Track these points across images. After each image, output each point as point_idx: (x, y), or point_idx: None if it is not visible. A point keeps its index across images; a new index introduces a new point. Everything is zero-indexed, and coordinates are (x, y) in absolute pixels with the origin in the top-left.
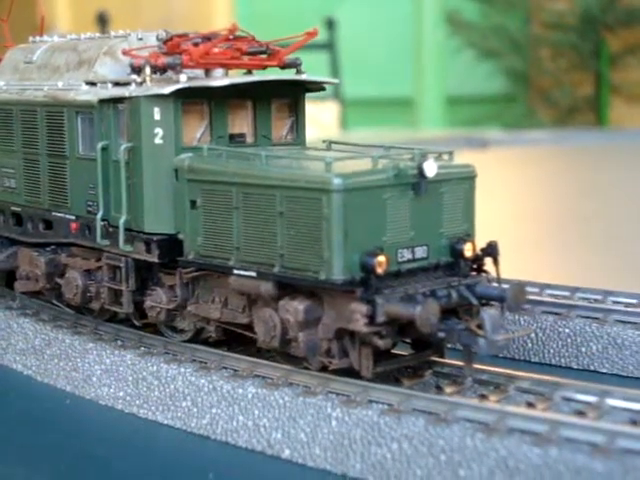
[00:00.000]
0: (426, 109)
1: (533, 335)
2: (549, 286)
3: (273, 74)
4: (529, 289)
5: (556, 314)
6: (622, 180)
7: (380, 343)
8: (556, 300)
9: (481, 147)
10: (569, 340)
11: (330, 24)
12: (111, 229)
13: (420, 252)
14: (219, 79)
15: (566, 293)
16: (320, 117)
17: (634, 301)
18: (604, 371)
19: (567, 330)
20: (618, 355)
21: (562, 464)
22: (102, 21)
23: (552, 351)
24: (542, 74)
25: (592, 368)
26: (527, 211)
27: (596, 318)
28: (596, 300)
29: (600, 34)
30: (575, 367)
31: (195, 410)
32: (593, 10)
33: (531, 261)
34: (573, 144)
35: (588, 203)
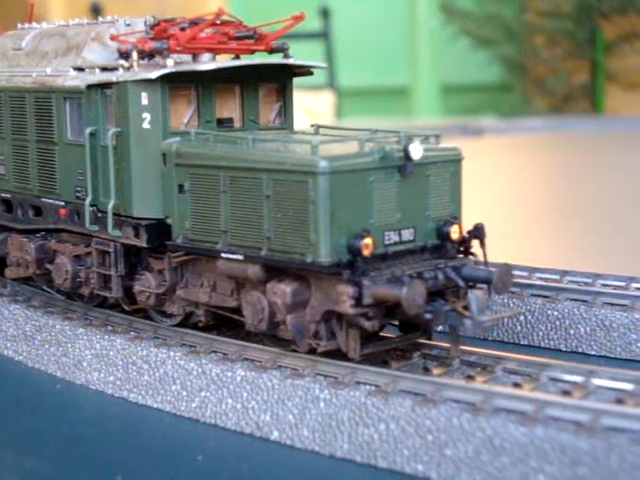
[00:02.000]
0: (421, 98)
1: (522, 318)
2: (539, 269)
3: (260, 59)
4: (519, 272)
5: (545, 297)
6: (617, 166)
7: (367, 324)
8: (545, 283)
9: (476, 135)
10: (558, 323)
11: (325, 13)
12: (100, 214)
13: (407, 234)
14: (206, 63)
15: (555, 276)
16: (315, 107)
17: (622, 284)
18: (592, 353)
19: (556, 313)
20: (606, 337)
21: (547, 443)
22: (96, 12)
23: (541, 334)
24: (537, 62)
25: (580, 350)
26: (521, 196)
27: (585, 301)
28: (585, 283)
29: (595, 22)
30: (564, 349)
31: (184, 393)
32: None
33: (523, 245)
34: (569, 131)
35: (582, 189)
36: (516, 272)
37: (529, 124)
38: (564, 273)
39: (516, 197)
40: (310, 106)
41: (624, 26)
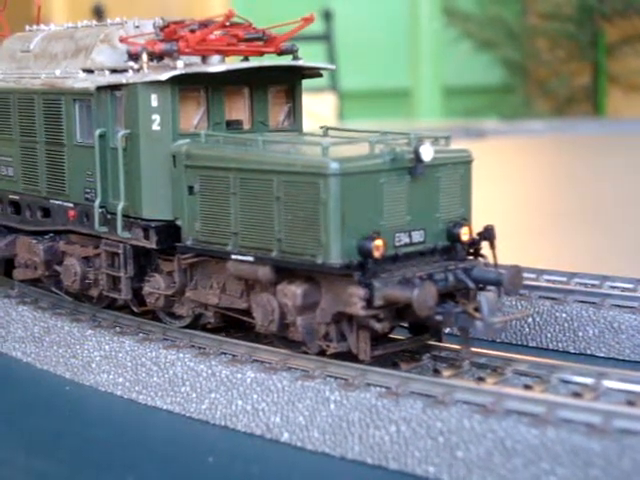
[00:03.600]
0: (423, 100)
1: (530, 320)
2: (546, 271)
3: (270, 60)
4: (526, 275)
5: (553, 299)
6: (619, 168)
7: (378, 326)
8: (553, 285)
9: (478, 137)
10: (566, 325)
11: (327, 15)
12: (109, 216)
13: (417, 236)
14: (216, 65)
15: (563, 278)
16: (317, 109)
17: (630, 286)
18: (601, 355)
19: (564, 315)
20: (614, 339)
21: (559, 444)
22: (98, 14)
23: (549, 336)
24: (539, 64)
25: (589, 352)
26: (525, 199)
27: (593, 302)
28: (593, 285)
29: (597, 24)
30: (572, 351)
31: (194, 395)
32: (590, 0)
33: (529, 248)
34: (571, 134)
35: (585, 191)
36: (524, 275)
37: (531, 126)
38: (572, 275)
39: (519, 199)
40: (312, 108)
41: (626, 28)
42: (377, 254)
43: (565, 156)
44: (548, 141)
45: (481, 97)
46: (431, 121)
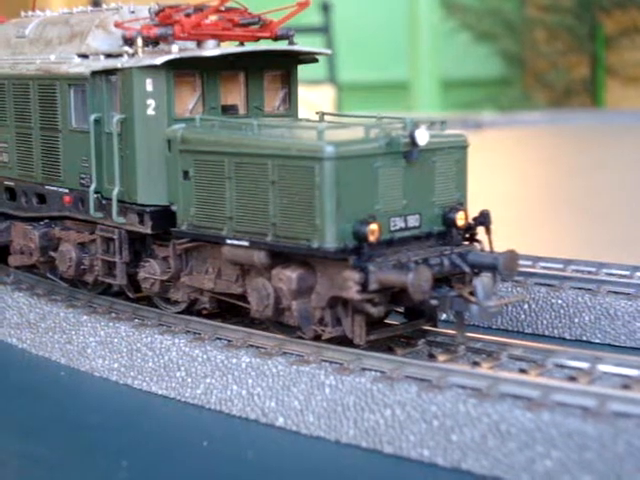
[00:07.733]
0: (421, 92)
1: (526, 306)
2: (543, 259)
3: (266, 45)
4: (523, 262)
5: (549, 286)
6: (617, 159)
7: (373, 310)
8: (549, 272)
9: (476, 128)
10: (562, 311)
11: (325, 7)
12: (104, 201)
13: (412, 221)
14: (211, 50)
15: (559, 265)
16: (315, 101)
17: (626, 272)
18: (597, 341)
19: (560, 301)
20: (610, 325)
21: (554, 428)
22: (96, 5)
23: (545, 322)
24: (538, 56)
25: (585, 338)
26: (522, 188)
27: (589, 289)
28: (589, 272)
29: (595, 16)
30: (568, 338)
31: (189, 380)
32: None
33: (526, 236)
34: (568, 125)
35: (582, 181)
36: (520, 261)
37: (529, 118)
38: (568, 262)
39: (517, 189)
40: (310, 100)
41: (624, 21)
42: (372, 238)
43: (563, 147)
44: (546, 132)
45: (479, 89)
46: (429, 113)
